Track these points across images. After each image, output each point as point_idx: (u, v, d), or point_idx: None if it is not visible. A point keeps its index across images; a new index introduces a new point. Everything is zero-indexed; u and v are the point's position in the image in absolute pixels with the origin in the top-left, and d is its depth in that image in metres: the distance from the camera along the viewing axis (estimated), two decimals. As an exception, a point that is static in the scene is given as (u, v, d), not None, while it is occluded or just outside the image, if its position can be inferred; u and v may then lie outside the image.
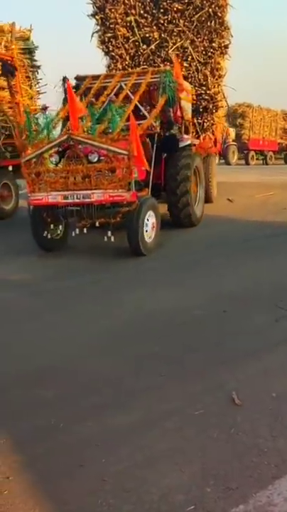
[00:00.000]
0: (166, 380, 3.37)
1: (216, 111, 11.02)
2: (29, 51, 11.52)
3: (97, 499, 2.26)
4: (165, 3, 10.42)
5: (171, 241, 7.97)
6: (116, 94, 8.12)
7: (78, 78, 8.79)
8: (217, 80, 10.64)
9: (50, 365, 3.71)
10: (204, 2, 10.23)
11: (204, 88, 10.56)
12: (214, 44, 10.39)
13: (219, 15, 10.31)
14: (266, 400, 3.03)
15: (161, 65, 10.06)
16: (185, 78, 10.00)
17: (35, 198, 7.12)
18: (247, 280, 5.75)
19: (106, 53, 11.00)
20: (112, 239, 6.80)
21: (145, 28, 10.61)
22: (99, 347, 4.06)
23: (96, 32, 11.02)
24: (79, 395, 3.23)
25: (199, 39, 10.40)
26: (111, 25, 10.73)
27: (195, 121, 10.60)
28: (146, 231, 7.00)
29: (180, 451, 2.58)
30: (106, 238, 6.82)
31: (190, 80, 10.32)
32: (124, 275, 6.42)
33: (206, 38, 10.40)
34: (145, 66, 10.27)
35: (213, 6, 10.23)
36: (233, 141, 26.54)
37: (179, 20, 10.37)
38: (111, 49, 10.87)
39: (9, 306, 5.24)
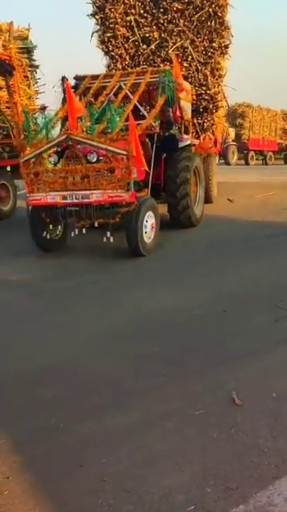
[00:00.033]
0: (166, 381, 3.36)
1: (216, 111, 11.00)
2: (27, 50, 11.42)
3: (97, 499, 2.26)
4: (165, 3, 10.40)
5: (171, 241, 7.96)
6: (116, 94, 8.11)
7: (77, 78, 8.77)
8: (217, 79, 10.62)
9: (50, 365, 3.71)
10: (205, 2, 10.21)
11: (204, 88, 10.54)
12: (214, 44, 10.37)
13: (220, 15, 10.29)
14: (266, 400, 3.03)
15: (161, 65, 10.05)
16: (185, 78, 9.98)
17: (33, 198, 7.10)
18: (247, 280, 5.75)
19: (106, 53, 10.99)
20: (111, 239, 6.78)
21: (145, 28, 10.59)
22: (98, 347, 4.05)
23: (96, 32, 11.01)
24: (79, 396, 3.22)
25: (199, 39, 10.38)
26: (110, 25, 10.72)
27: (195, 121, 10.59)
28: (145, 232, 6.99)
29: (180, 452, 2.58)
30: (105, 239, 6.80)
31: (190, 79, 10.31)
32: (123, 275, 6.42)
33: (206, 37, 10.38)
34: (145, 66, 10.25)
35: (213, 5, 10.21)
36: (233, 141, 26.54)
37: (179, 20, 10.36)
38: (110, 49, 10.86)
39: (9, 307, 5.23)
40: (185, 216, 8.50)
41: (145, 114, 8.18)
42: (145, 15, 10.59)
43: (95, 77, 8.56)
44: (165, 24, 10.49)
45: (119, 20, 10.66)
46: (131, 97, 7.93)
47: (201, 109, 10.69)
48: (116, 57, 10.80)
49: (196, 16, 10.30)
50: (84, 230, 7.03)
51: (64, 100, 7.76)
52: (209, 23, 10.33)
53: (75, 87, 8.55)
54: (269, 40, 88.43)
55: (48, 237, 7.50)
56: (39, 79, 11.74)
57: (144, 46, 10.65)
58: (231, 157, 26.53)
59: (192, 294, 5.38)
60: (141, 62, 10.67)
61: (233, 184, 13.79)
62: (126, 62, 10.75)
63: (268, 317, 4.46)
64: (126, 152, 6.54)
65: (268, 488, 2.26)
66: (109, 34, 10.80)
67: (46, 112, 7.44)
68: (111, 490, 2.31)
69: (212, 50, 10.40)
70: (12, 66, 10.19)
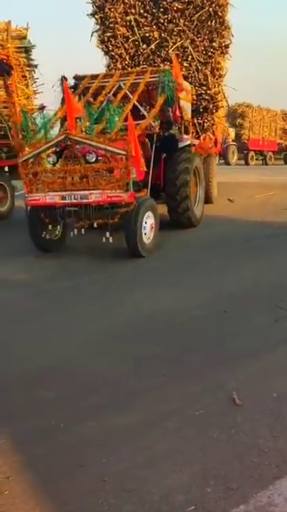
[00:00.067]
0: (166, 381, 3.37)
1: (216, 111, 10.99)
2: (25, 50, 11.32)
3: (98, 499, 2.26)
4: (165, 3, 10.39)
5: (170, 241, 7.96)
6: (115, 94, 8.09)
7: (77, 78, 8.75)
8: (217, 79, 10.61)
9: (50, 365, 3.71)
10: (205, 1, 10.19)
11: (204, 88, 10.53)
12: (214, 44, 10.36)
13: (220, 14, 10.27)
14: (266, 400, 3.03)
15: (161, 65, 10.04)
16: (185, 78, 9.97)
17: (32, 199, 7.08)
18: (247, 280, 5.75)
19: (106, 53, 10.97)
20: (110, 240, 6.76)
21: (145, 28, 10.58)
22: (98, 347, 4.06)
23: (96, 31, 10.99)
24: (80, 396, 3.23)
25: (199, 38, 10.37)
26: (110, 25, 10.70)
27: (195, 121, 10.58)
28: (145, 232, 6.96)
29: (180, 452, 2.58)
30: (104, 239, 6.78)
31: (190, 79, 10.30)
32: (123, 276, 6.42)
33: (206, 37, 10.37)
34: (145, 66, 10.24)
35: (213, 5, 10.19)
36: (233, 141, 26.54)
37: (179, 20, 10.34)
38: (110, 48, 10.84)
39: (8, 307, 5.23)
40: (185, 218, 8.50)
41: (145, 114, 8.16)
42: (145, 14, 10.57)
43: (95, 77, 8.55)
44: (165, 24, 10.47)
45: (119, 19, 10.64)
46: (131, 96, 7.92)
47: (201, 109, 10.68)
48: (116, 57, 10.79)
49: (196, 16, 10.29)
50: (83, 231, 7.02)
51: (63, 100, 7.75)
52: (209, 23, 10.31)
53: (75, 87, 8.55)
54: (270, 40, 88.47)
55: (48, 237, 7.49)
56: (37, 79, 11.70)
57: (144, 46, 10.63)
58: (231, 157, 26.54)
59: (192, 294, 5.38)
60: (141, 62, 10.65)
61: (233, 184, 13.80)
62: (126, 62, 10.73)
63: (268, 317, 4.47)
64: (125, 152, 6.53)
65: (268, 489, 2.26)
66: (108, 34, 10.79)
67: (45, 112, 7.41)
68: (111, 490, 2.31)
69: (212, 50, 10.38)
70: (10, 65, 10.16)
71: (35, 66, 11.61)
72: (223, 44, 10.48)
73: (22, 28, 11.38)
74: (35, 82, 11.70)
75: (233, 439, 2.66)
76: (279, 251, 7.27)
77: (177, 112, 8.54)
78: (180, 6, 10.35)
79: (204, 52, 10.40)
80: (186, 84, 9.28)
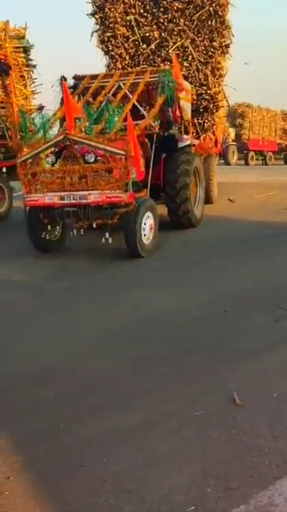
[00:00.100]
0: (166, 381, 3.37)
1: (216, 111, 10.96)
2: (24, 50, 11.19)
3: (98, 499, 2.26)
4: (165, 2, 10.36)
5: (170, 242, 7.96)
6: (115, 94, 8.08)
7: (76, 78, 8.73)
8: (217, 79, 10.57)
9: (51, 366, 3.71)
10: (205, 1, 10.14)
11: (204, 88, 10.50)
12: (214, 43, 10.32)
13: (220, 14, 10.24)
14: (266, 400, 3.03)
15: (161, 65, 10.02)
16: (186, 78, 9.95)
17: (31, 199, 7.07)
18: (247, 280, 5.75)
19: (106, 53, 10.94)
20: (110, 240, 6.74)
21: (145, 28, 10.55)
22: (98, 348, 4.05)
23: (96, 31, 10.96)
24: (80, 396, 3.23)
25: (199, 38, 10.35)
26: (110, 25, 10.67)
27: (196, 121, 10.57)
28: (144, 233, 6.94)
29: (180, 452, 2.58)
30: (104, 240, 6.76)
31: (190, 79, 10.27)
32: (122, 276, 6.41)
33: (207, 37, 10.33)
34: (145, 66, 10.22)
35: (214, 4, 10.16)
36: (233, 141, 26.52)
37: (179, 20, 10.32)
38: (110, 48, 10.81)
39: (8, 307, 5.24)
40: (185, 219, 8.52)
41: (145, 114, 8.15)
42: (145, 14, 10.54)
43: (94, 77, 8.54)
44: (166, 23, 10.44)
45: (119, 19, 10.62)
46: (131, 96, 7.91)
47: (201, 109, 10.66)
48: (116, 56, 10.76)
49: (196, 15, 10.26)
50: (82, 231, 7.01)
51: (63, 100, 7.73)
52: (209, 22, 10.28)
53: (74, 87, 8.53)
54: (270, 40, 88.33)
55: (47, 237, 7.48)
56: (36, 79, 11.58)
57: (144, 46, 10.61)
58: (231, 157, 26.51)
59: (192, 294, 5.37)
60: (141, 62, 10.63)
61: (233, 184, 13.79)
62: (126, 62, 10.71)
63: (268, 317, 4.46)
64: (124, 152, 6.51)
65: (268, 489, 2.27)
66: (108, 34, 10.76)
67: (44, 112, 7.38)
68: (111, 490, 2.32)
69: (212, 50, 10.35)
70: (8, 65, 10.12)
71: (34, 66, 11.50)
72: (223, 44, 10.45)
73: (20, 27, 11.26)
74: (33, 83, 11.58)
75: (233, 439, 2.66)
76: (279, 251, 7.26)
77: (177, 112, 8.53)
78: (180, 6, 10.31)
79: (204, 51, 10.38)
80: (186, 84, 9.27)
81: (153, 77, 8.10)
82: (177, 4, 10.32)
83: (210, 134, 11.29)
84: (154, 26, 10.52)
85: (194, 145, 9.41)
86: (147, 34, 10.56)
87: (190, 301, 5.12)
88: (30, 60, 11.44)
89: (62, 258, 7.31)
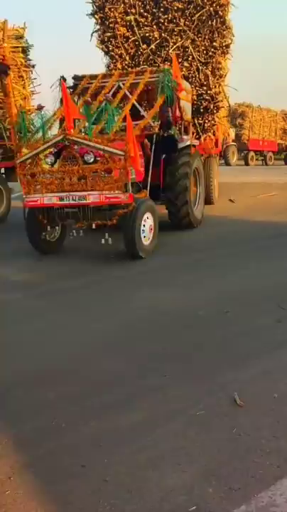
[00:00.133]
0: (168, 381, 3.36)
1: (217, 111, 10.96)
2: (23, 50, 11.16)
3: (99, 499, 2.26)
4: (165, 2, 10.34)
5: (171, 242, 7.95)
6: (114, 94, 8.06)
7: (76, 78, 8.71)
8: (217, 79, 10.57)
9: (53, 365, 3.71)
10: (205, 1, 10.14)
11: (205, 88, 10.49)
12: (215, 43, 10.32)
13: (221, 14, 10.23)
14: (268, 400, 3.03)
15: (161, 65, 10.01)
16: (186, 78, 9.95)
17: (30, 200, 7.05)
18: (249, 281, 5.75)
19: (106, 53, 10.94)
20: (110, 241, 6.72)
21: (146, 28, 10.54)
22: (100, 348, 4.05)
23: (96, 31, 10.96)
24: (81, 396, 3.23)
25: (200, 38, 10.34)
26: (110, 25, 10.67)
27: (196, 121, 10.57)
28: (143, 234, 6.91)
29: (182, 452, 2.58)
30: (103, 241, 6.74)
31: (190, 79, 10.27)
32: (122, 277, 6.39)
33: (207, 37, 10.32)
34: (146, 66, 10.21)
35: (214, 4, 10.16)
36: (233, 141, 26.49)
37: (179, 20, 10.31)
38: (110, 48, 10.81)
39: (7, 308, 5.24)
40: (186, 222, 8.54)
41: (145, 114, 8.14)
42: (145, 14, 10.54)
43: (94, 77, 8.51)
44: (166, 23, 10.42)
45: (119, 19, 10.62)
46: (130, 96, 7.89)
47: (202, 110, 10.67)
48: (116, 57, 10.76)
49: (197, 15, 10.24)
50: (81, 232, 6.99)
51: (62, 100, 7.71)
52: (210, 23, 10.26)
53: (74, 87, 8.52)
54: (270, 40, 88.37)
55: (47, 238, 7.46)
56: (35, 79, 11.53)
57: (144, 46, 10.60)
58: (232, 157, 26.48)
59: (194, 294, 5.37)
60: (141, 62, 10.62)
61: (234, 184, 13.79)
62: (126, 62, 10.71)
63: (271, 318, 4.46)
64: (124, 153, 6.49)
65: (270, 489, 2.26)
66: (108, 34, 10.76)
67: (43, 112, 7.35)
68: (113, 490, 2.32)
69: (213, 50, 10.34)
70: (7, 66, 10.07)
71: (33, 66, 11.45)
72: (224, 44, 10.45)
73: (19, 27, 11.21)
74: (32, 83, 11.53)
75: (234, 440, 2.65)
76: (282, 251, 7.26)
77: (177, 112, 8.52)
78: (180, 6, 10.30)
79: (204, 52, 10.36)
80: (186, 84, 9.26)
81: (153, 77, 8.07)
82: (177, 4, 10.30)
83: (211, 135, 11.29)
84: (154, 26, 10.51)
85: (194, 145, 9.39)
86: (147, 34, 10.55)
87: (192, 301, 5.11)
88: (29, 60, 11.37)
89: (62, 259, 7.31)
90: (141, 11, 10.54)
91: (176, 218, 8.49)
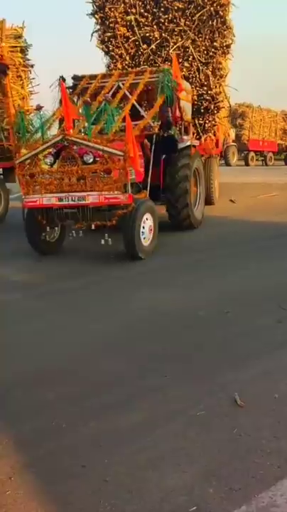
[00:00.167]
0: (169, 381, 3.36)
1: (217, 111, 10.95)
2: (21, 49, 11.06)
3: (100, 500, 2.26)
4: (165, 2, 10.32)
5: (171, 243, 7.94)
6: (114, 94, 8.05)
7: (75, 78, 8.70)
8: (218, 80, 10.56)
9: (52, 366, 3.71)
10: (206, 1, 10.13)
11: (205, 88, 10.48)
12: (215, 43, 10.30)
13: (221, 14, 10.22)
14: (268, 401, 3.03)
15: (162, 65, 10.01)
16: (186, 78, 9.94)
17: (29, 200, 7.03)
18: (250, 281, 5.74)
19: (106, 53, 10.92)
20: (109, 242, 6.71)
21: (146, 28, 10.52)
22: (99, 348, 4.05)
23: (96, 31, 10.94)
24: (80, 396, 3.22)
25: (200, 38, 10.32)
26: (111, 25, 10.65)
27: (196, 122, 10.56)
28: (143, 235, 6.89)
29: (182, 452, 2.57)
30: (103, 241, 6.73)
31: (191, 80, 10.25)
32: (122, 277, 6.38)
33: (207, 37, 10.30)
34: (146, 66, 10.20)
35: (215, 4, 10.14)
36: (233, 141, 26.49)
37: (180, 20, 10.29)
38: (111, 49, 10.79)
39: (7, 308, 5.23)
40: (186, 223, 8.53)
41: (145, 114, 8.13)
42: (145, 14, 10.51)
43: (93, 78, 8.50)
44: (166, 23, 10.40)
45: (119, 19, 10.60)
46: (130, 96, 7.88)
47: (202, 110, 10.65)
48: (116, 57, 10.74)
49: (197, 15, 10.22)
50: (81, 233, 6.98)
51: (61, 101, 7.70)
52: (210, 23, 10.24)
53: (73, 88, 8.51)
54: (271, 40, 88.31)
55: (47, 239, 7.45)
56: (33, 79, 11.44)
57: (145, 46, 10.58)
58: (232, 158, 26.47)
59: (194, 295, 5.37)
60: (142, 62, 10.60)
61: (234, 185, 13.78)
62: (127, 62, 10.69)
63: (271, 318, 4.45)
64: (123, 153, 6.47)
65: (270, 489, 2.26)
66: (109, 34, 10.74)
67: (42, 112, 7.34)
68: (113, 490, 2.31)
69: (213, 50, 10.31)
70: (5, 65, 10.04)
71: (32, 66, 11.36)
72: (224, 44, 10.43)
73: (18, 26, 11.12)
74: (30, 83, 11.43)
75: (235, 440, 2.65)
76: (282, 252, 7.25)
77: (177, 113, 8.50)
78: (180, 6, 10.27)
79: (205, 52, 10.34)
80: (186, 85, 9.24)
81: (153, 77, 8.06)
82: (177, 4, 10.27)
83: (211, 135, 11.27)
84: (155, 26, 10.49)
85: (194, 146, 9.38)
86: (147, 34, 10.53)
87: (192, 302, 5.11)
88: (28, 59, 11.28)
89: (61, 259, 7.30)
90: (142, 10, 10.52)
91: (176, 220, 8.50)
